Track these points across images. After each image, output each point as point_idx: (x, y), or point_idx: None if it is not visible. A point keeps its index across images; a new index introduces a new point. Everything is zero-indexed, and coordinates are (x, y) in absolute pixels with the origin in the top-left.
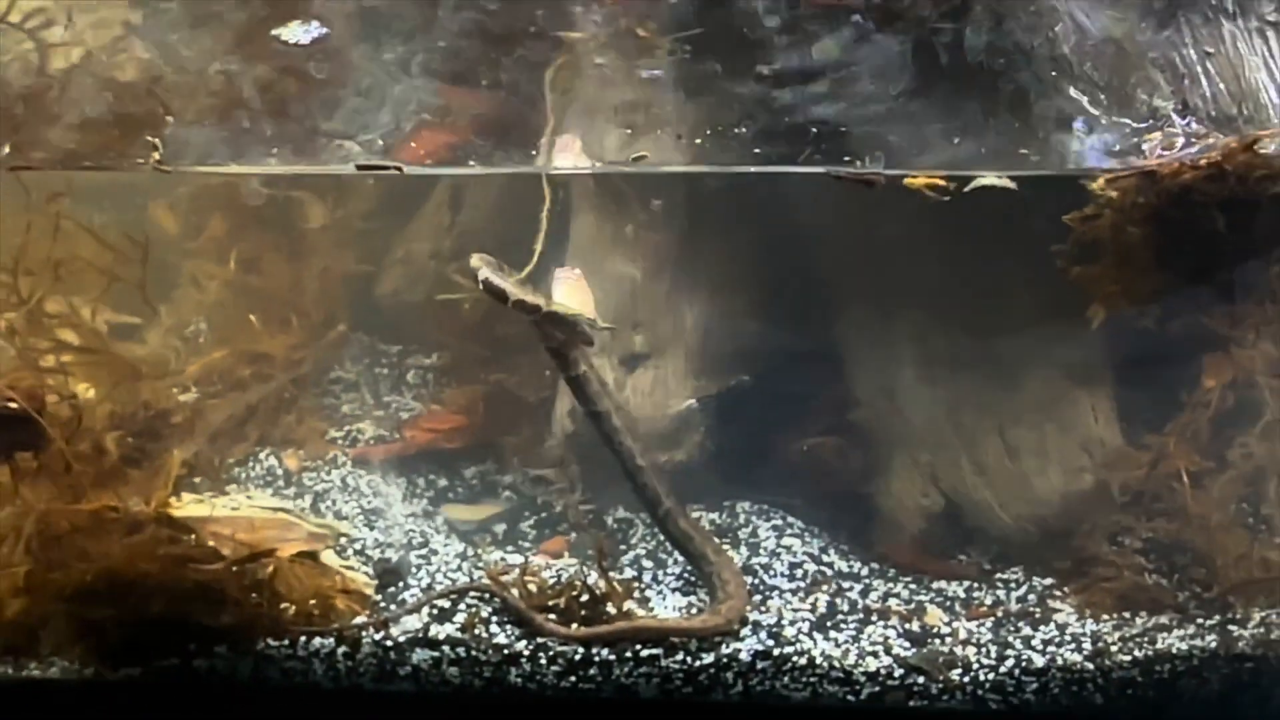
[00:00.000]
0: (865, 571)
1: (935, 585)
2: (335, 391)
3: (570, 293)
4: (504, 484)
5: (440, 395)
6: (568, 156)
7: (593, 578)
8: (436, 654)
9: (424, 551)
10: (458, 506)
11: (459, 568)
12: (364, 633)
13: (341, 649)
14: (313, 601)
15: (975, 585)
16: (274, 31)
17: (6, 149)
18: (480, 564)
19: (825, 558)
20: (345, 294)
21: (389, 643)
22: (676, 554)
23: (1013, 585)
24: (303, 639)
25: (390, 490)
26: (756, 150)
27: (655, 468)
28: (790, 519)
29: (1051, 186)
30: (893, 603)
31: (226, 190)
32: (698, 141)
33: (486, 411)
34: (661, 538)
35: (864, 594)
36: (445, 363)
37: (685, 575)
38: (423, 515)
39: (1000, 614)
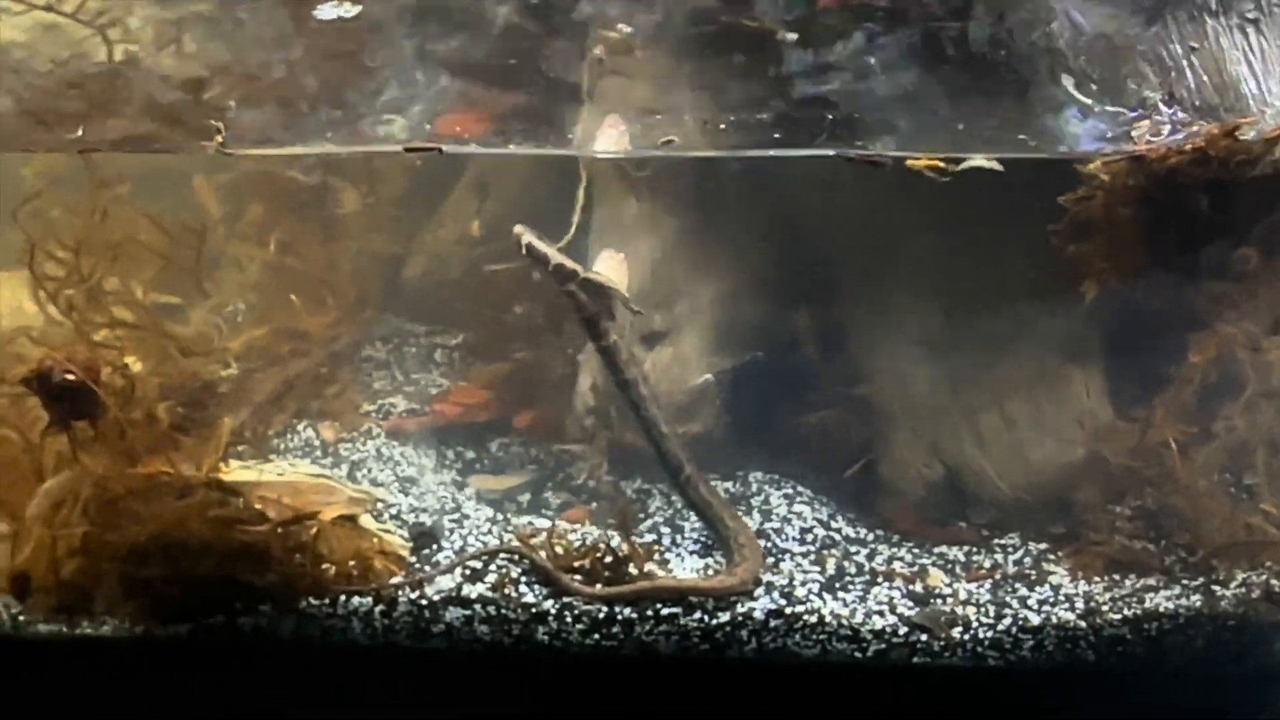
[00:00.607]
0: (871, 536)
1: (936, 549)
2: (367, 369)
3: (609, 271)
4: (527, 456)
5: (467, 372)
6: (611, 137)
7: (615, 540)
8: (468, 612)
9: (456, 516)
10: (484, 477)
11: (489, 531)
12: (400, 592)
13: (379, 608)
14: (352, 562)
15: (974, 549)
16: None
17: (80, 132)
18: (510, 527)
19: (833, 524)
20: (377, 276)
21: (424, 602)
22: (694, 519)
23: (1010, 549)
24: (342, 598)
25: (423, 460)
26: (776, 135)
27: (677, 435)
28: (800, 487)
29: (1047, 170)
30: (897, 565)
31: (265, 178)
32: (721, 127)
33: (511, 387)
34: (680, 504)
35: (870, 557)
36: (471, 341)
37: (703, 539)
38: (453, 483)
39: (998, 576)
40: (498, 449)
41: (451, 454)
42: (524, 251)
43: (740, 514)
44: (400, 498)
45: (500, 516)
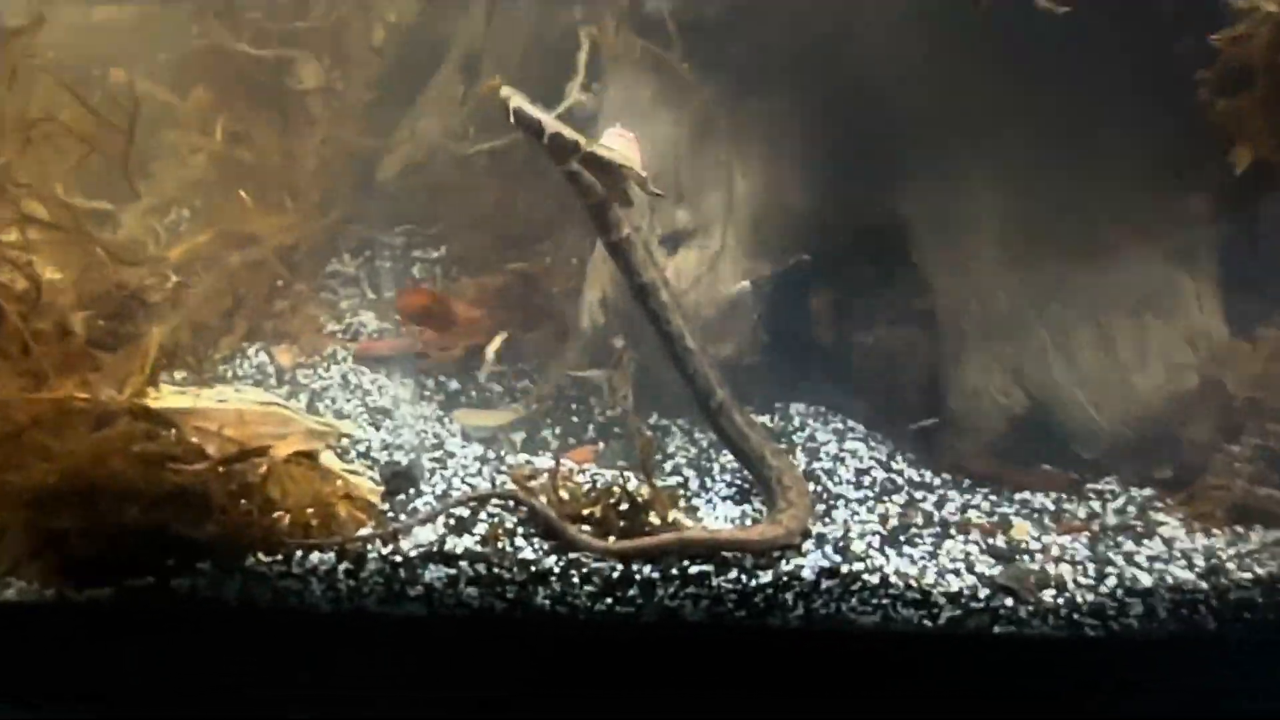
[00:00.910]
0: (939, 480)
1: (1019, 496)
2: (333, 284)
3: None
4: (523, 386)
5: (452, 286)
6: None
7: (633, 483)
8: (453, 571)
9: (438, 454)
10: (471, 411)
11: (479, 472)
12: (370, 546)
13: (343, 565)
14: (311, 509)
15: (1065, 497)
16: None
17: None
18: (504, 468)
19: (894, 465)
20: (346, 174)
21: (398, 558)
22: (728, 457)
23: (1108, 496)
24: (299, 553)
25: (398, 389)
26: None
27: (707, 353)
28: (852, 421)
29: None
30: (973, 515)
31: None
32: None
33: (504, 303)
34: (711, 438)
35: (940, 505)
36: (457, 252)
37: (738, 482)
38: (435, 417)
39: (1096, 528)
40: (488, 377)
41: (432, 382)
42: (512, 119)
43: (784, 451)
44: (370, 432)
45: (492, 455)
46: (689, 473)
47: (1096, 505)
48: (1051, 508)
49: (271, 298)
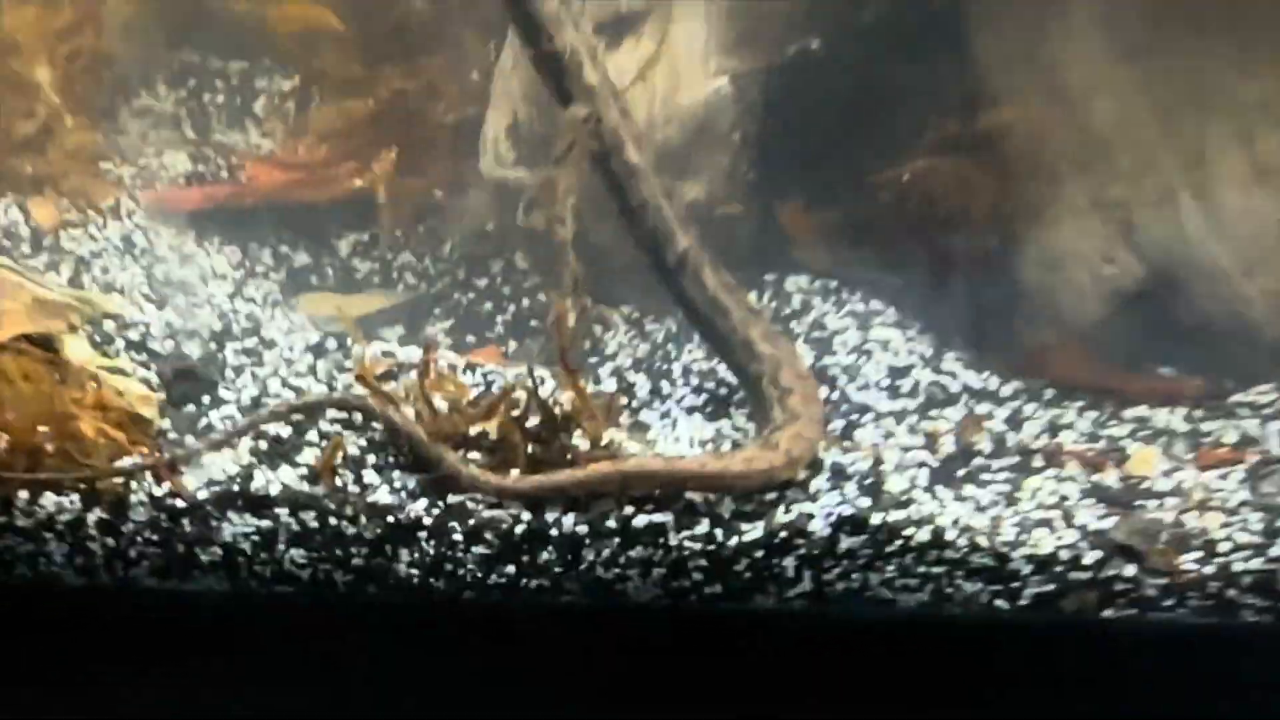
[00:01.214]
0: (1012, 388)
1: (1132, 412)
2: (134, 121)
3: None
4: (401, 262)
5: (306, 116)
6: None
7: (549, 386)
8: (267, 523)
9: (251, 343)
10: (322, 296)
11: (311, 370)
12: (137, 483)
13: (96, 514)
14: (43, 425)
15: (1203, 413)
16: None
17: None
18: (347, 363)
19: (943, 364)
20: None
21: (181, 503)
22: (696, 344)
23: (1267, 412)
24: (24, 495)
25: (210, 254)
26: None
27: (661, 183)
28: (878, 302)
29: None
30: (1068, 440)
31: None
32: None
33: (375, 137)
34: (663, 335)
35: (1015, 424)
36: (316, 71)
37: (709, 386)
38: (266, 300)
39: (1253, 460)
40: (351, 249)
41: (268, 252)
42: None
43: (781, 335)
44: (150, 311)
45: (333, 344)
46: (636, 376)
47: (1252, 426)
48: (1184, 429)
49: (36, 132)
